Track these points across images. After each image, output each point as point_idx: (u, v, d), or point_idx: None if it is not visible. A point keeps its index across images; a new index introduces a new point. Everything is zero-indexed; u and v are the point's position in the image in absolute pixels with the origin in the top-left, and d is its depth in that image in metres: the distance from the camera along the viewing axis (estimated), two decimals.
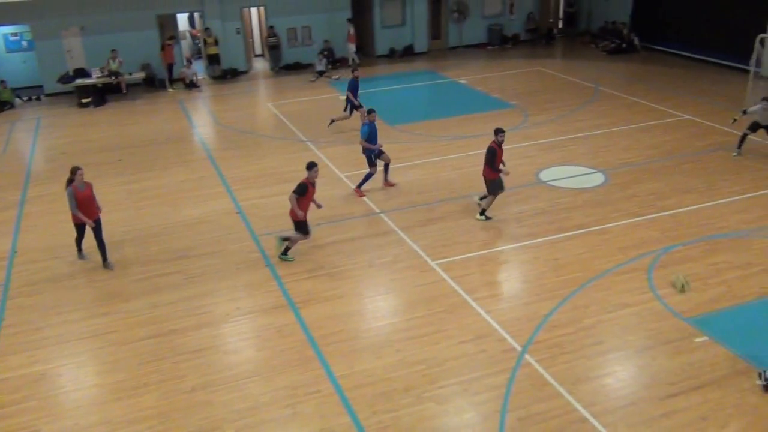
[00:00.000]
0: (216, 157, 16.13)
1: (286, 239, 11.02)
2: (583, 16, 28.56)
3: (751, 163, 14.27)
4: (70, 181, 10.72)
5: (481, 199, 12.22)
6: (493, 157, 11.66)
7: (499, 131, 11.74)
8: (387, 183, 13.85)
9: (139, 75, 22.60)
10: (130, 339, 9.18)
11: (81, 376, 8.55)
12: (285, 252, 11.03)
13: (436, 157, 15.34)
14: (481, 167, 11.94)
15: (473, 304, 9.64)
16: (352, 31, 24.56)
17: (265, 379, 8.28)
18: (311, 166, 10.84)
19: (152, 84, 22.91)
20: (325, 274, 10.62)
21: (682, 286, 9.76)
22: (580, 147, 15.61)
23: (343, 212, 12.75)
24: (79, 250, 11.29)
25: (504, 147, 11.81)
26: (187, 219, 12.77)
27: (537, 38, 27.64)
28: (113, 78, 21.61)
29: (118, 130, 18.72)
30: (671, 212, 12.17)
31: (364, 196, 13.43)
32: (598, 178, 13.75)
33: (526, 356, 8.47)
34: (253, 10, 26.23)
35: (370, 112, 13.54)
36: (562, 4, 28.88)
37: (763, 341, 8.61)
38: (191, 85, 22.56)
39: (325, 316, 9.53)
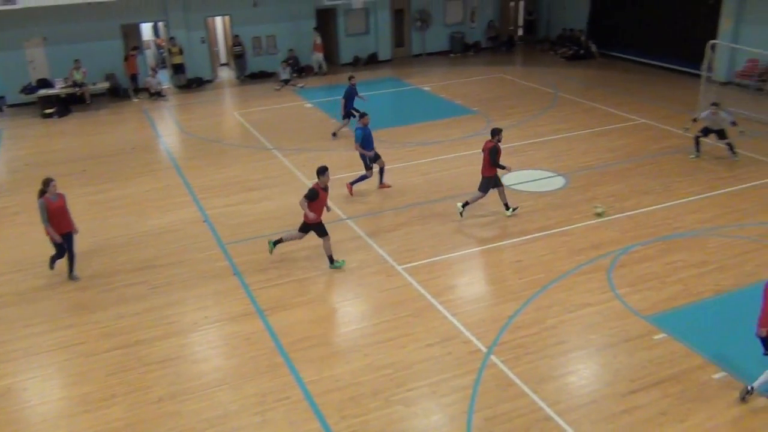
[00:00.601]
0: (182, 166, 16.07)
1: (330, 259, 11.01)
2: (542, 24, 29.13)
3: (705, 164, 14.73)
4: (42, 193, 10.54)
5: (464, 206, 12.46)
6: (497, 155, 11.99)
7: (498, 131, 12.13)
8: (382, 185, 14.08)
9: (104, 85, 22.40)
10: (96, 350, 9.12)
11: (47, 389, 8.46)
12: (331, 261, 11.00)
13: (402, 163, 15.51)
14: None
15: (439, 307, 9.78)
16: (318, 40, 24.68)
17: (233, 387, 8.29)
18: (323, 171, 10.73)
19: (117, 94, 22.72)
20: (293, 281, 10.68)
21: (600, 213, 11.63)
22: (541, 151, 15.93)
23: None
24: (52, 263, 11.02)
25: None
26: (153, 229, 12.71)
27: (498, 45, 28.09)
28: (77, 88, 21.38)
29: (82, 140, 18.53)
30: (629, 213, 12.50)
31: (352, 195, 13.71)
32: (558, 182, 14.05)
33: (492, 357, 8.63)
34: (218, 20, 26.17)
35: (363, 116, 13.73)
36: (521, 12, 29.37)
37: (719, 337, 8.90)
38: (156, 95, 22.42)
39: (293, 322, 9.58)
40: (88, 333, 9.54)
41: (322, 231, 10.87)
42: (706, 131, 14.75)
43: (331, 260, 10.97)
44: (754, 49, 18.85)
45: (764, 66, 19.71)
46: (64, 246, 10.79)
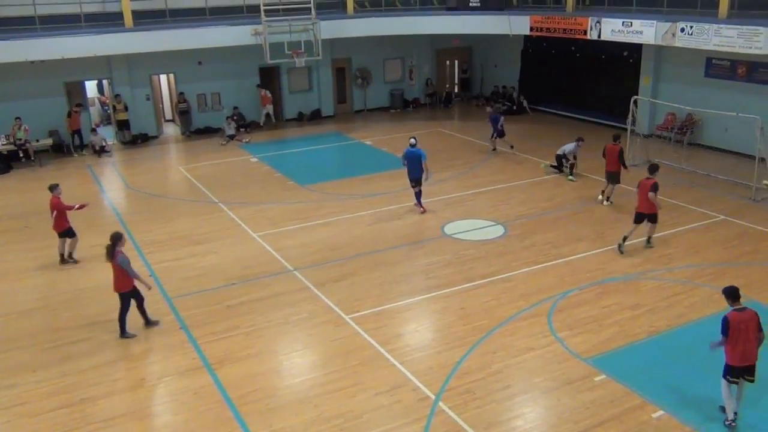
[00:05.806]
0: (127, 220, 15.91)
1: (648, 241, 13.42)
2: (477, 82, 30.36)
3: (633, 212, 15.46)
4: (112, 248, 10.16)
5: (607, 198, 15.98)
6: (622, 155, 15.48)
7: (618, 138, 15.81)
8: (421, 206, 15.80)
9: (47, 142, 22.09)
10: (39, 410, 8.87)
11: None
12: (648, 240, 13.39)
13: (346, 214, 15.79)
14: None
15: (387, 355, 9.92)
16: (264, 93, 25.19)
17: None
18: (656, 169, 13.34)
19: (61, 150, 22.42)
20: (241, 333, 10.67)
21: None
22: (481, 201, 16.49)
23: (257, 271, 12.88)
24: (125, 326, 10.58)
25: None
26: (97, 284, 12.42)
27: (436, 102, 29.11)
28: (19, 146, 21.01)
29: (24, 196, 18.16)
30: (566, 259, 13.03)
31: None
32: (498, 230, 14.53)
33: (440, 404, 8.76)
34: (163, 77, 26.27)
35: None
36: (457, 70, 30.57)
37: (656, 377, 9.28)
38: (101, 151, 22.25)
39: (242, 375, 9.55)
40: (31, 393, 9.28)
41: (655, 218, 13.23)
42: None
43: (649, 239, 13.47)
44: (671, 104, 20.18)
45: (681, 119, 21.09)
46: (130, 298, 10.57)
